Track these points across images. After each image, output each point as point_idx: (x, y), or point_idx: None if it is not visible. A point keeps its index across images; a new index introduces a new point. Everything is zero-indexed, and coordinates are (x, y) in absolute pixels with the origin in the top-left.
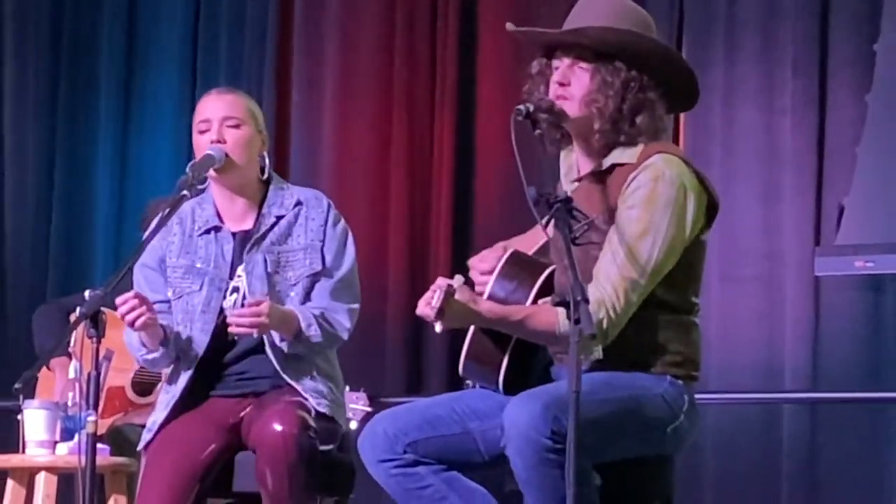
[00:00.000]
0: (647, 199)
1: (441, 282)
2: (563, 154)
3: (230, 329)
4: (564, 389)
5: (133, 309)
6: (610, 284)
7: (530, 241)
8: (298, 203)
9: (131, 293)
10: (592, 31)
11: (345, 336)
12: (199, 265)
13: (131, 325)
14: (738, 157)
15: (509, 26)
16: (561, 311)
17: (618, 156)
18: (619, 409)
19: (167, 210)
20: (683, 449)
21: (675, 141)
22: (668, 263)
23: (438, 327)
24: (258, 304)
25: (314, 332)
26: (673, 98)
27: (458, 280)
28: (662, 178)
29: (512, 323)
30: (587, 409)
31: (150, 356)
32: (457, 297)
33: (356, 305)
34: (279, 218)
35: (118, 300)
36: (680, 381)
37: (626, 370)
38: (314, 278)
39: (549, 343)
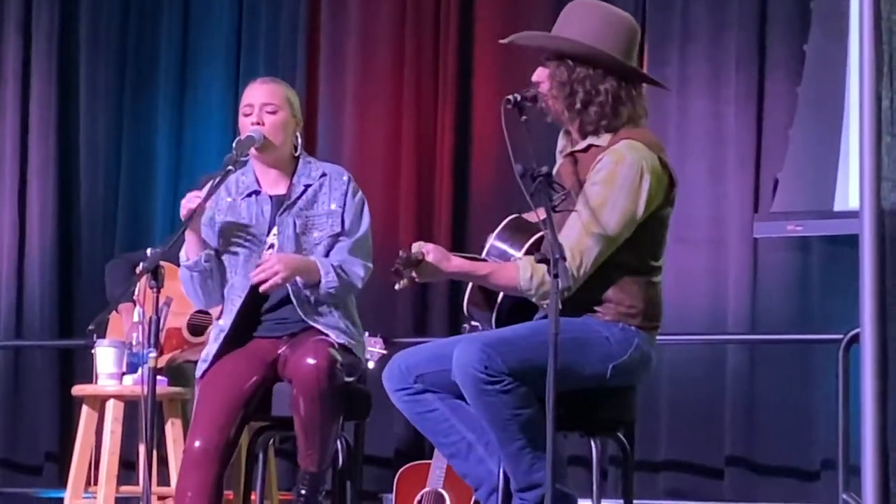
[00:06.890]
0: (607, 178)
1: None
2: (561, 133)
3: (260, 288)
4: (502, 333)
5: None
6: (568, 249)
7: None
8: (323, 174)
9: (194, 193)
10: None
11: (359, 284)
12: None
13: (183, 213)
14: (690, 139)
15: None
16: (521, 266)
17: (594, 139)
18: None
19: (217, 180)
20: (639, 381)
21: None
22: (624, 233)
23: (397, 286)
24: (267, 259)
25: (332, 279)
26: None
27: (416, 245)
28: (622, 162)
29: (477, 277)
30: (530, 351)
31: (188, 262)
32: (429, 258)
33: (369, 263)
34: (307, 187)
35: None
36: (633, 328)
37: (581, 315)
38: (335, 239)
39: (514, 294)
